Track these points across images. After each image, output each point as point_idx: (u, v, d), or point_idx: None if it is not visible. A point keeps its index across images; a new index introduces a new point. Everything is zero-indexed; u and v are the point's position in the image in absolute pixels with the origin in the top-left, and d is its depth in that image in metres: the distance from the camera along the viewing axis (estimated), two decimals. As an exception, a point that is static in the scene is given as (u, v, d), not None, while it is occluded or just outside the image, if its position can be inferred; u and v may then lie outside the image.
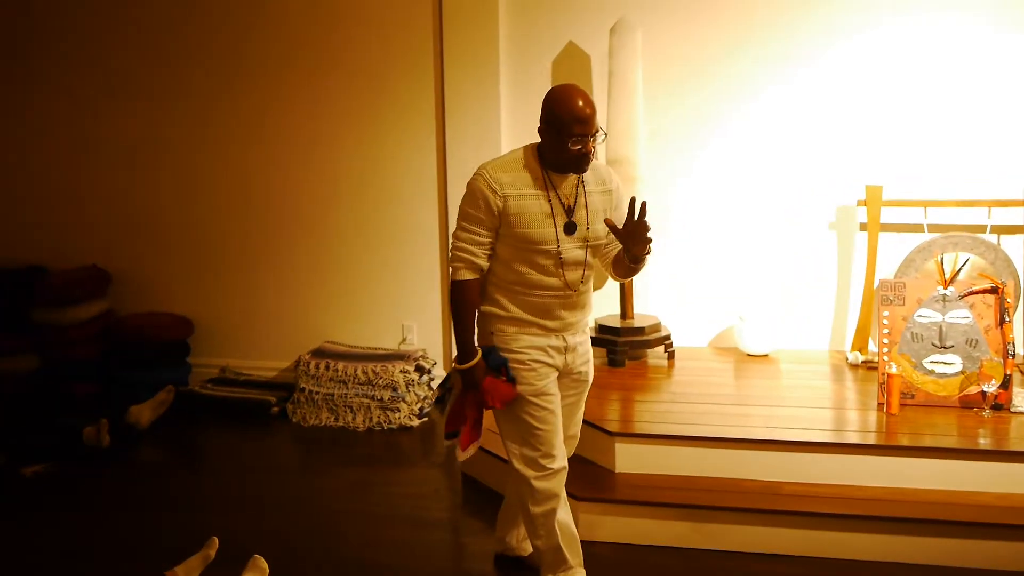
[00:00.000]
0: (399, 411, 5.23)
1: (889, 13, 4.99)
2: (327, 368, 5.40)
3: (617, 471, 3.94)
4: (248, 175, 5.93)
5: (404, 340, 5.73)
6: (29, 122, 6.23)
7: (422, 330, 5.69)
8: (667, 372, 4.90)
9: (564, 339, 3.16)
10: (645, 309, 5.34)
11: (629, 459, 3.93)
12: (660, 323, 5.12)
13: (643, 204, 2.90)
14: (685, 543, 3.69)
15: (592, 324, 5.24)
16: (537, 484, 3.15)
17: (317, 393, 5.37)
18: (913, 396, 4.21)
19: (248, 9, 5.77)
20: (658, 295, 5.43)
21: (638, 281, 5.24)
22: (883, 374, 4.18)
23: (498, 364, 3.11)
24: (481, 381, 3.10)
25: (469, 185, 3.04)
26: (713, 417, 4.12)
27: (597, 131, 2.95)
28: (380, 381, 5.26)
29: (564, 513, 3.25)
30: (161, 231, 6.13)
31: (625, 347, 4.95)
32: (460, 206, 3.08)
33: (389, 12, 5.55)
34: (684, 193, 5.36)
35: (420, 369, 5.34)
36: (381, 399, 5.25)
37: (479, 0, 5.34)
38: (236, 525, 3.99)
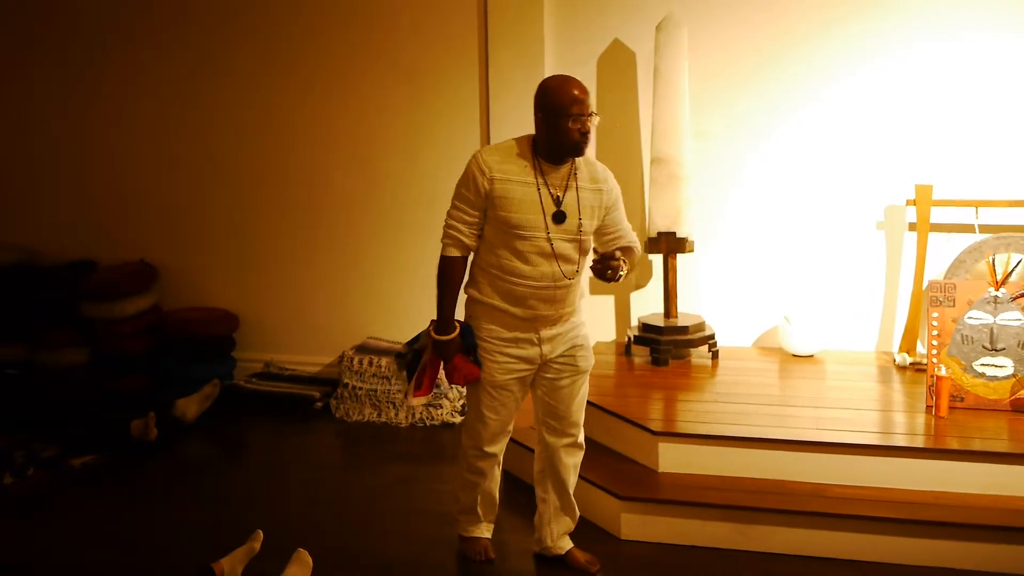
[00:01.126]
0: (441, 408, 5.25)
1: (939, 16, 4.92)
2: (370, 364, 5.43)
3: (660, 471, 3.92)
4: (292, 173, 5.98)
5: (447, 337, 5.74)
6: (78, 121, 6.34)
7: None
8: (711, 372, 4.87)
9: (538, 333, 3.28)
10: (689, 308, 5.30)
11: (672, 459, 3.91)
12: (704, 322, 5.08)
13: (615, 261, 3.08)
14: (729, 544, 3.66)
15: (635, 323, 5.22)
16: (472, 460, 3.50)
17: (360, 389, 5.40)
18: (962, 399, 4.15)
19: (288, 7, 5.82)
20: (702, 294, 5.39)
21: (682, 279, 5.20)
22: (932, 376, 4.12)
23: (470, 346, 3.30)
24: (452, 356, 3.28)
25: (465, 167, 3.19)
26: (758, 417, 4.08)
27: (592, 113, 3.11)
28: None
29: (491, 483, 3.59)
30: (207, 227, 6.21)
31: (668, 346, 4.92)
32: (455, 187, 3.24)
33: (434, 10, 5.56)
34: (729, 192, 5.32)
35: (462, 366, 5.34)
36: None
37: (524, -3, 5.34)
38: (280, 519, 4.03)
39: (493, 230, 3.19)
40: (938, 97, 4.98)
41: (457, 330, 3.27)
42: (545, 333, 3.29)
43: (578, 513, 3.62)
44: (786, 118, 5.20)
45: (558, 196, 3.17)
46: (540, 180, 3.15)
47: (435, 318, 3.31)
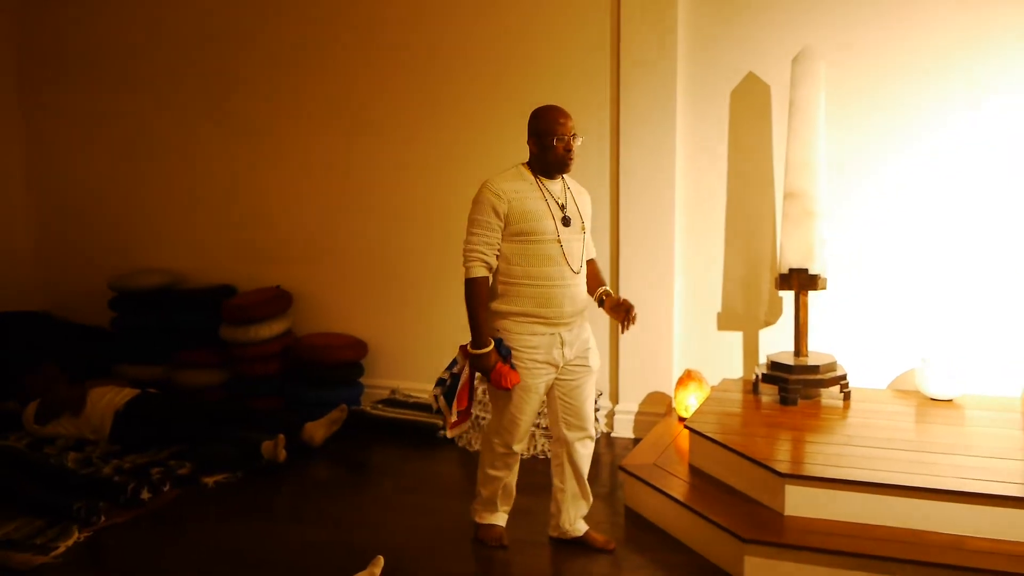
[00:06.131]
0: (563, 440, 5.22)
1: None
2: (494, 394, 5.45)
3: (786, 514, 3.80)
4: (426, 205, 6.11)
5: (570, 369, 5.72)
6: (223, 155, 6.65)
7: (589, 360, 5.67)
8: (842, 413, 4.70)
9: (560, 336, 3.69)
10: (820, 347, 5.15)
11: (799, 502, 3.78)
12: (835, 362, 4.92)
13: (633, 317, 3.71)
14: (858, 594, 3.51)
15: (764, 361, 5.10)
16: (500, 458, 3.88)
17: (483, 419, 5.42)
18: (1118, 452, 3.89)
19: (431, 52, 5.98)
20: (835, 332, 5.22)
21: (814, 317, 5.06)
22: (1084, 426, 3.88)
23: (507, 353, 3.65)
24: (493, 365, 3.61)
25: (476, 198, 3.68)
26: (892, 463, 3.91)
27: (574, 135, 3.66)
28: (545, 409, 5.26)
29: (512, 478, 3.99)
30: (340, 257, 6.39)
31: (798, 385, 4.78)
32: (469, 215, 3.70)
33: (567, 39, 5.64)
34: (864, 227, 5.16)
35: (586, 399, 5.31)
36: (546, 427, 5.25)
37: (658, 31, 5.33)
38: (400, 545, 4.07)
39: (513, 245, 3.65)
40: (1094, 131, 4.73)
41: (492, 343, 3.63)
42: (567, 336, 3.70)
43: (592, 498, 4.03)
44: (927, 153, 5.02)
45: (562, 203, 3.71)
46: (545, 192, 3.68)
47: (464, 343, 3.72)
